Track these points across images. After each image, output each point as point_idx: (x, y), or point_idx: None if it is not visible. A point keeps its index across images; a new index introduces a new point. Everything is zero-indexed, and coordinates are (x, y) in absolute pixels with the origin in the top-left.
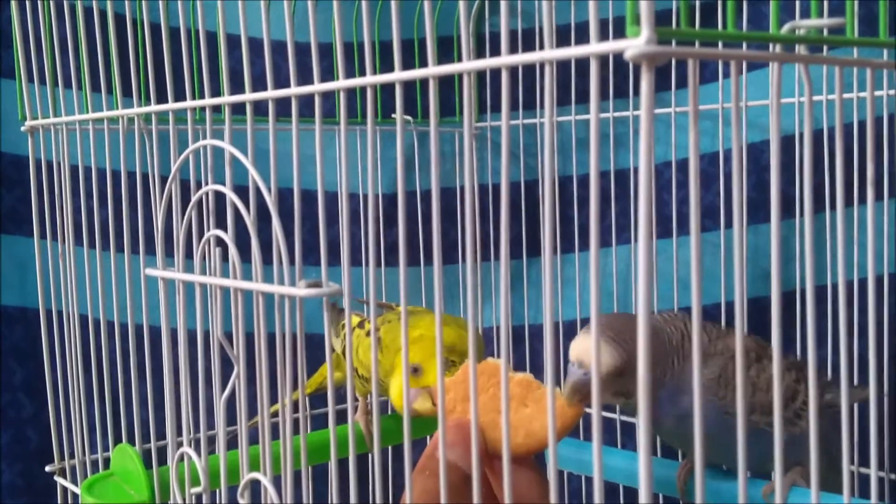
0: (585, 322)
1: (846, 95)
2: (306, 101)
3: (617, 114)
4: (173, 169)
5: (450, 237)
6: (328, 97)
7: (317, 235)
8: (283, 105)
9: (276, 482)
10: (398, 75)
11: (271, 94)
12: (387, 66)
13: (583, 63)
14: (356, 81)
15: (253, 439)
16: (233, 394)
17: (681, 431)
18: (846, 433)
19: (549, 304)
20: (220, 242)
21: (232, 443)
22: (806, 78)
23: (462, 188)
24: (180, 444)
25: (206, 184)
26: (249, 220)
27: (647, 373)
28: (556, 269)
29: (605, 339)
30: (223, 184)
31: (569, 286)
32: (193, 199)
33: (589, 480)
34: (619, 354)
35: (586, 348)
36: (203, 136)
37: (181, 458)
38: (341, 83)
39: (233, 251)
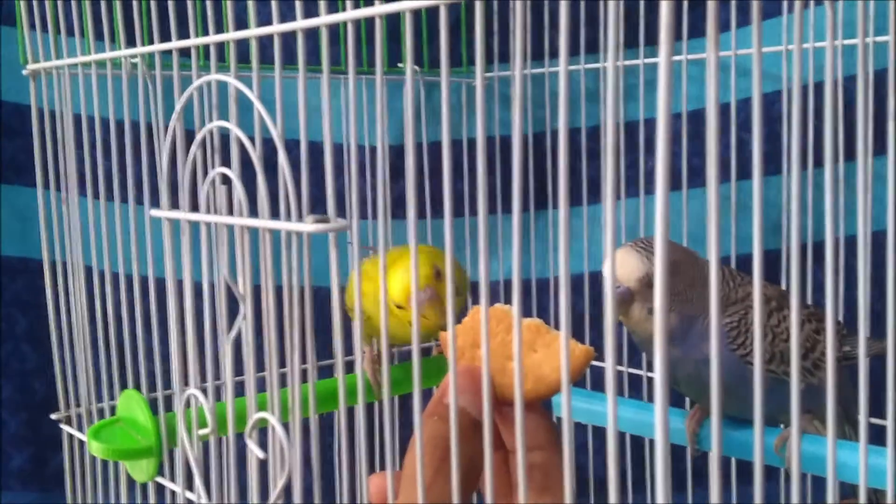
0: (593, 275)
1: (851, 41)
2: (313, 49)
3: (627, 62)
4: (177, 106)
5: (456, 190)
6: (334, 43)
7: (323, 188)
8: (289, 55)
9: (285, 430)
10: (407, 4)
11: (276, 28)
12: (395, 35)
13: (592, 11)
14: (364, 12)
15: (260, 388)
16: (240, 341)
17: (697, 379)
18: (864, 383)
19: (564, 243)
20: (226, 181)
21: (240, 392)
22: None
23: (470, 140)
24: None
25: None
26: (255, 155)
27: (664, 292)
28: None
29: (634, 249)
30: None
31: (576, 239)
32: (198, 136)
33: (596, 433)
34: (646, 263)
35: (617, 263)
36: (206, 84)
37: (188, 404)
38: (349, 14)
39: (238, 188)
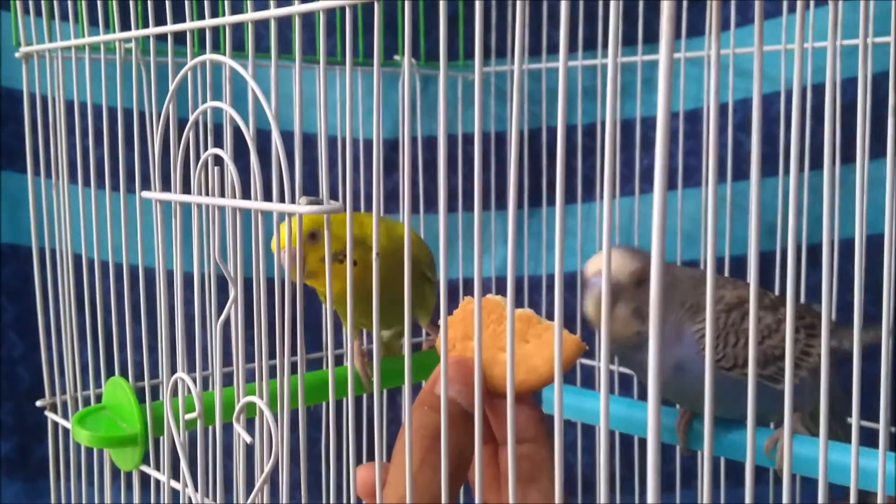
0: None
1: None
2: (309, 40)
3: (624, 59)
4: (172, 86)
5: (449, 184)
6: (331, 35)
7: (316, 180)
8: (285, 44)
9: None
10: None
11: (273, 12)
12: (392, 27)
13: (591, 8)
14: None
15: (251, 379)
16: (230, 329)
17: (675, 384)
18: (857, 382)
19: (559, 232)
20: (218, 163)
21: (229, 384)
22: None
23: (464, 135)
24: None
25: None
26: (249, 136)
27: (660, 281)
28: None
29: (622, 250)
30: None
31: (570, 237)
32: (192, 117)
33: (585, 431)
34: (638, 260)
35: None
36: (201, 67)
37: (175, 392)
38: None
39: (231, 169)
